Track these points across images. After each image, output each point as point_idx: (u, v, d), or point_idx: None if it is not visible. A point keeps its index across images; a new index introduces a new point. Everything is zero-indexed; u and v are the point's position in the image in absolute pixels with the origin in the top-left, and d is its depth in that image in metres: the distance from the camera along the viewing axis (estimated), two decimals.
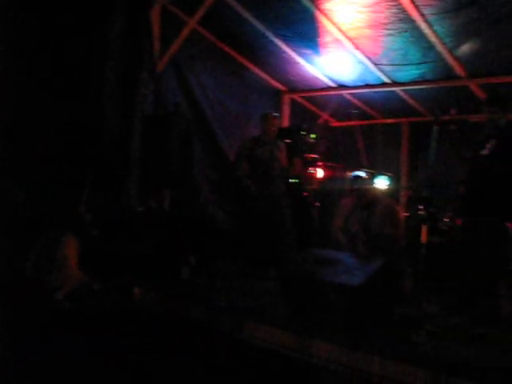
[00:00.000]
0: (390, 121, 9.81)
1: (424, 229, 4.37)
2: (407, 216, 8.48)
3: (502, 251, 5.65)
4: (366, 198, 5.69)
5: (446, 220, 6.63)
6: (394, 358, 3.73)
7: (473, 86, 7.54)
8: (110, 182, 6.12)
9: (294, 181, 7.46)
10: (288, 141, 7.48)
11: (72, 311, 4.76)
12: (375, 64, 7.31)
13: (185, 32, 6.63)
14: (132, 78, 6.26)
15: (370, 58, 7.16)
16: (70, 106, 5.88)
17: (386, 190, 8.08)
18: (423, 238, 4.36)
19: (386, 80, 7.81)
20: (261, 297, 5.25)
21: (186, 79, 7.30)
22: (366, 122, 9.64)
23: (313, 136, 7.73)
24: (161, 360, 4.02)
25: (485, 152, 4.94)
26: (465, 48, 6.52)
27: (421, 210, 4.88)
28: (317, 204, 6.97)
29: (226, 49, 7.79)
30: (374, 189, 7.31)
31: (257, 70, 8.32)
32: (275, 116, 6.87)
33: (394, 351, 3.85)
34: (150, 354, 4.00)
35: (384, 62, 7.24)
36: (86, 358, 3.80)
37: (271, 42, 7.20)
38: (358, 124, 8.93)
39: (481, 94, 7.84)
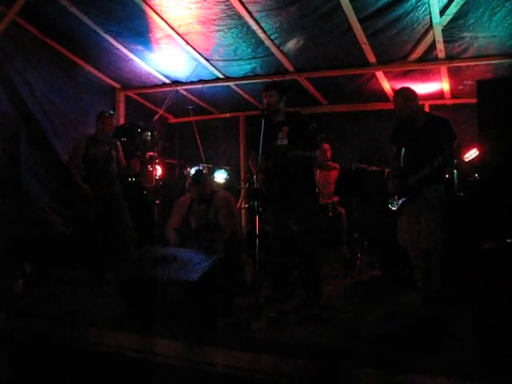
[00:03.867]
0: (227, 115, 9.94)
1: (257, 219, 4.50)
2: (246, 208, 8.75)
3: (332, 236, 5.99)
4: (204, 192, 5.75)
5: None
6: (237, 347, 3.82)
7: (301, 79, 7.88)
8: None
9: (132, 180, 7.36)
10: (124, 139, 7.36)
11: None
12: (207, 59, 7.38)
13: (2, 25, 6.08)
14: None
15: (201, 54, 7.21)
16: None
17: (225, 183, 8.26)
18: (257, 228, 4.50)
19: (219, 75, 7.90)
20: (101, 301, 5.14)
21: (8, 78, 6.70)
22: (204, 117, 9.72)
23: (149, 133, 7.65)
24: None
25: (284, 140, 5.15)
26: (291, 44, 6.78)
27: (256, 201, 5.00)
28: (157, 202, 6.90)
29: (55, 45, 7.36)
30: (212, 182, 7.45)
31: (89, 68, 8.02)
32: (111, 114, 6.71)
33: (237, 340, 3.95)
34: None
35: (216, 57, 7.31)
36: None
37: (102, 38, 6.93)
38: (195, 119, 8.98)
39: (310, 87, 8.24)
